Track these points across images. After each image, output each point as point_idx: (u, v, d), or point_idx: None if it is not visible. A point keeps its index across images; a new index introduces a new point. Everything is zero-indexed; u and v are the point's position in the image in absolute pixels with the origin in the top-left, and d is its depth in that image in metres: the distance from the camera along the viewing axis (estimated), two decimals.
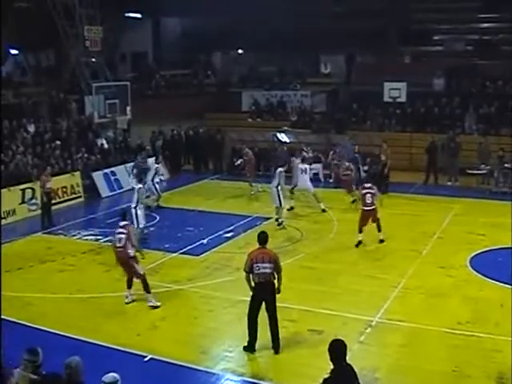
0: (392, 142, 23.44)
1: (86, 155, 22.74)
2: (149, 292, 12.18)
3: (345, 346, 6.42)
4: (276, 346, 10.18)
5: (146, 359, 10.00)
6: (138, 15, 36.90)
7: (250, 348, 10.23)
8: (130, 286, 12.33)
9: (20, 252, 15.98)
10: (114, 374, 6.26)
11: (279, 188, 17.76)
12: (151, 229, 17.80)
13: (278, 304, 12.18)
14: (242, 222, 18.12)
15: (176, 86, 36.43)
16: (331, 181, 23.70)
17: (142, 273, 12.17)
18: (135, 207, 15.77)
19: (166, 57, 39.99)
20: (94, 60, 27.19)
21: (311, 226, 17.91)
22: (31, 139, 22.57)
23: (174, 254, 15.45)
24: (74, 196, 21.26)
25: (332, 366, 6.36)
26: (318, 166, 24.15)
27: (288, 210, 19.23)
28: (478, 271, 13.86)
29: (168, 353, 10.17)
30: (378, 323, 11.30)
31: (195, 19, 37.02)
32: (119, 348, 10.37)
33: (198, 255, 15.24)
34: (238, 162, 25.59)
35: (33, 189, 19.67)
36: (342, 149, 23.73)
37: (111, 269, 14.44)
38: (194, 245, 16.09)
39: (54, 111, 25.72)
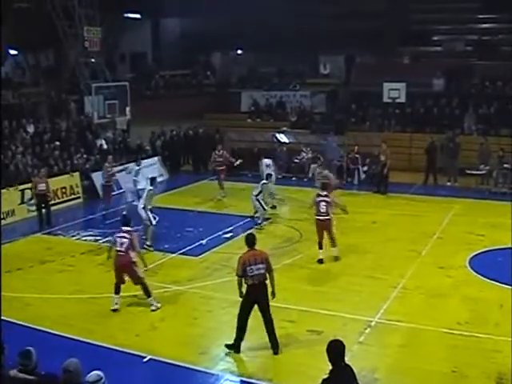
0: (391, 143, 23.46)
1: (85, 156, 22.73)
2: (149, 296, 12.13)
3: (343, 346, 6.41)
4: (275, 347, 10.16)
5: (145, 360, 9.99)
6: (138, 16, 36.88)
7: (236, 348, 10.21)
8: (118, 292, 12.16)
9: (19, 252, 15.97)
10: (98, 372, 6.23)
11: (259, 197, 17.80)
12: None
13: (277, 304, 12.18)
14: (241, 223, 18.12)
15: (175, 87, 36.43)
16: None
17: (142, 276, 12.13)
18: (143, 208, 15.69)
19: (165, 57, 39.98)
20: (93, 60, 27.20)
21: (310, 226, 17.79)
22: (30, 139, 22.57)
23: (174, 255, 15.45)
24: (73, 197, 21.24)
25: (331, 367, 6.36)
26: (316, 167, 24.13)
27: (271, 207, 19.40)
28: (477, 271, 13.86)
29: (167, 353, 10.17)
30: (377, 323, 11.30)
31: (195, 20, 37.01)
32: (118, 348, 10.36)
33: (197, 256, 15.24)
34: (238, 162, 25.61)
35: (31, 189, 19.63)
36: (326, 148, 23.76)
37: (110, 269, 14.45)
38: (194, 245, 16.09)
39: (54, 112, 25.72)
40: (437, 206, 19.96)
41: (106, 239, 16.79)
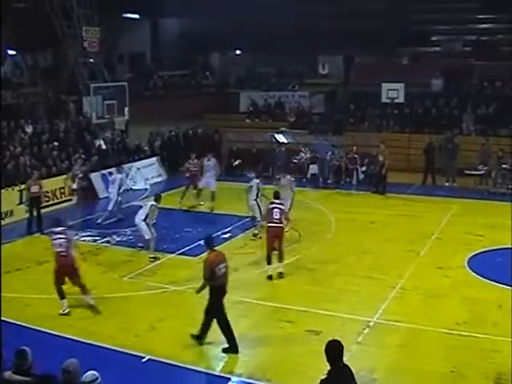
0: (390, 143, 23.48)
1: (83, 156, 22.69)
2: (87, 294, 12.12)
3: (341, 346, 6.41)
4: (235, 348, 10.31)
5: (144, 360, 9.98)
6: (136, 16, 36.89)
7: (233, 350, 10.28)
8: (63, 296, 11.97)
9: (18, 253, 15.95)
10: (93, 372, 6.23)
11: (258, 200, 16.89)
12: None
13: (276, 304, 12.26)
14: (239, 223, 18.12)
15: (174, 87, 36.41)
16: (329, 181, 23.71)
17: (80, 276, 12.06)
18: (144, 220, 15.35)
19: (164, 57, 39.98)
20: (91, 61, 27.16)
21: (309, 227, 17.89)
22: (29, 140, 22.54)
23: (172, 255, 15.45)
24: (71, 197, 21.19)
25: (329, 367, 6.36)
26: (315, 167, 24.18)
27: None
28: (476, 272, 13.87)
29: (166, 353, 10.16)
30: (376, 324, 11.30)
31: (193, 20, 37.01)
32: (117, 349, 10.35)
33: (195, 256, 15.21)
34: (236, 162, 25.67)
35: (25, 191, 19.62)
36: (319, 148, 23.80)
37: (109, 270, 14.47)
38: (192, 245, 16.07)
39: (52, 112, 25.69)
40: (435, 207, 19.97)
41: (105, 239, 16.82)
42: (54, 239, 11.95)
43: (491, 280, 13.24)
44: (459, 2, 32.58)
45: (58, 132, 24.10)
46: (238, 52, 40.64)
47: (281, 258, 13.87)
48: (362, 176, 23.97)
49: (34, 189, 17.95)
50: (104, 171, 22.74)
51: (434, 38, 33.95)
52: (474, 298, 12.48)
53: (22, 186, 19.28)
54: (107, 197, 20.12)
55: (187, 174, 21.40)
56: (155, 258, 15.15)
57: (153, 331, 11.15)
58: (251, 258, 15.09)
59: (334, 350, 6.40)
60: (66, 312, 11.91)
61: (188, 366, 9.84)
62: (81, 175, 19.72)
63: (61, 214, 19.54)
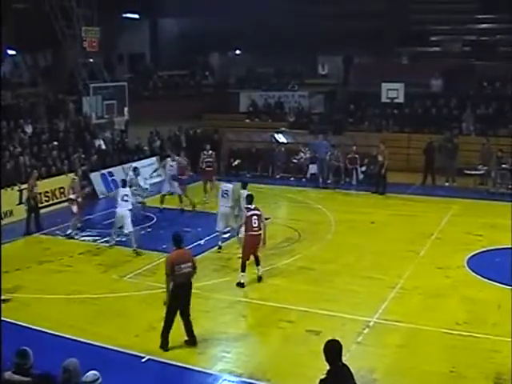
0: (390, 143, 23.47)
1: (83, 156, 22.70)
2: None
3: (340, 346, 6.41)
4: (193, 341, 10.45)
5: (143, 360, 9.99)
6: (136, 16, 36.93)
7: (163, 344, 10.36)
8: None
9: (17, 253, 15.94)
10: (94, 372, 6.24)
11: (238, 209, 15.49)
12: (148, 229, 17.80)
13: (276, 304, 12.24)
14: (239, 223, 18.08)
15: (174, 87, 36.44)
16: (329, 181, 23.71)
17: None
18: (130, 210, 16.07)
19: (163, 57, 40.02)
20: (91, 61, 27.17)
21: (309, 226, 17.90)
22: (29, 140, 22.54)
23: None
24: (70, 205, 21.14)
25: (328, 367, 6.36)
26: (315, 167, 24.18)
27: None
28: (475, 272, 13.87)
29: (166, 353, 10.17)
30: (375, 324, 11.30)
31: (193, 20, 37.03)
32: (117, 349, 10.35)
33: (195, 256, 15.18)
34: (236, 162, 25.66)
35: (27, 191, 19.61)
36: (317, 148, 23.80)
37: (108, 270, 14.47)
38: (192, 245, 15.99)
39: (52, 112, 25.68)
40: (435, 207, 19.97)
41: (104, 239, 16.81)
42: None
43: (491, 280, 13.24)
44: (459, 3, 32.61)
45: (57, 132, 24.11)
46: (237, 52, 40.68)
47: (258, 262, 13.54)
48: (361, 176, 23.96)
49: (35, 189, 17.98)
50: (104, 171, 22.74)
51: (433, 38, 33.97)
52: (474, 298, 12.48)
53: (22, 186, 19.28)
54: (107, 196, 20.12)
55: (202, 166, 21.70)
56: (137, 253, 15.51)
57: (152, 331, 11.13)
58: (250, 257, 15.05)
59: (333, 350, 6.40)
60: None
61: (188, 366, 9.84)
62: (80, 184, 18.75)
63: (61, 213, 19.61)
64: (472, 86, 28.84)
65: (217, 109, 32.39)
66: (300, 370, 9.60)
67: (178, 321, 11.54)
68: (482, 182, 22.62)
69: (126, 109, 26.44)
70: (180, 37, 39.90)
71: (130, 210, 15.96)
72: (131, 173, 19.46)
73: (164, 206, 19.85)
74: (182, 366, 9.85)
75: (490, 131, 25.12)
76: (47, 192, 20.44)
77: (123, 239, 16.97)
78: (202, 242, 16.31)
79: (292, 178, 24.78)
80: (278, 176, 25.16)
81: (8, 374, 6.40)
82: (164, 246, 15.92)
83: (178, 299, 10.28)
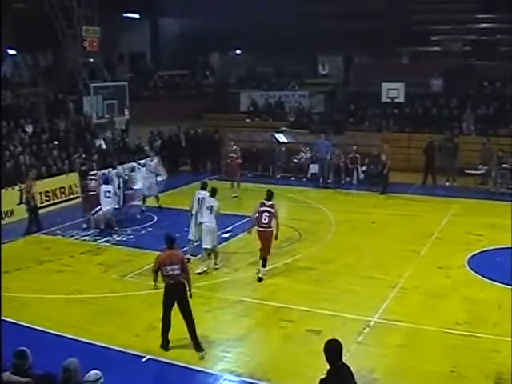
0: (390, 143, 23.46)
1: (83, 156, 22.70)
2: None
3: (340, 345, 6.41)
4: (198, 348, 10.24)
5: (144, 360, 10.00)
6: (136, 16, 36.94)
7: (164, 344, 10.37)
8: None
9: (18, 253, 15.96)
10: (96, 371, 6.24)
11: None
12: (149, 229, 17.81)
13: (276, 304, 12.22)
14: (240, 223, 18.07)
15: (174, 87, 36.46)
16: (329, 181, 23.71)
17: None
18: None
19: (164, 57, 40.05)
20: (91, 60, 27.18)
21: (309, 226, 17.90)
22: (29, 140, 22.54)
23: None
24: (71, 196, 21.19)
25: (328, 367, 6.36)
26: (315, 167, 24.17)
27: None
28: (476, 271, 13.87)
29: (166, 353, 10.18)
30: (376, 323, 11.30)
31: (193, 20, 37.05)
32: (117, 348, 10.36)
33: (195, 255, 15.22)
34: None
35: (26, 192, 19.61)
36: (318, 148, 23.82)
37: (109, 269, 14.48)
38: (192, 245, 16.05)
39: (52, 112, 25.69)
40: (435, 206, 19.97)
41: (105, 239, 16.82)
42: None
43: (491, 280, 13.24)
44: (459, 2, 32.62)
45: (58, 132, 24.11)
46: (238, 52, 40.70)
47: (264, 264, 13.65)
48: (362, 176, 23.96)
49: (33, 189, 17.98)
50: (104, 170, 22.71)
51: (433, 38, 33.99)
52: (474, 297, 12.48)
53: (23, 186, 19.29)
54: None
55: (228, 160, 21.99)
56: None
57: (153, 331, 11.13)
58: (251, 257, 15.07)
59: (333, 350, 6.40)
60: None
61: (188, 366, 9.84)
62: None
63: (62, 213, 19.65)
64: (472, 86, 28.83)
65: (217, 108, 32.40)
66: (300, 369, 9.60)
67: (178, 321, 11.57)
68: (482, 181, 22.61)
69: (126, 108, 26.44)
70: (180, 37, 39.91)
71: (116, 208, 16.47)
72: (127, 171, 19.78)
73: (164, 205, 19.89)
74: (182, 365, 9.85)
75: (490, 131, 25.11)
76: (48, 192, 20.44)
77: (124, 238, 17.03)
78: None
79: (292, 178, 24.77)
80: (278, 176, 25.15)
81: (7, 375, 6.38)
82: (164, 246, 15.92)
83: (168, 299, 10.29)
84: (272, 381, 9.39)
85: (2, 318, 11.03)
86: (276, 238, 13.57)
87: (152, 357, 10.06)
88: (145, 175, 20.01)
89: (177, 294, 10.23)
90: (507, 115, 25.70)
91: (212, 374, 9.66)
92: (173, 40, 40.34)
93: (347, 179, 23.95)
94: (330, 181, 23.74)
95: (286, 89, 33.57)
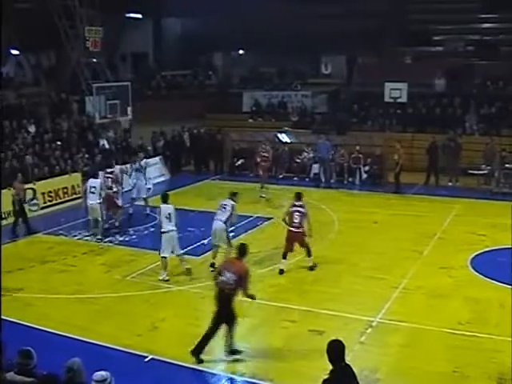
0: (393, 143, 23.41)
1: (86, 156, 22.73)
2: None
3: (343, 346, 6.41)
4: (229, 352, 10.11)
5: (146, 360, 10.01)
6: (139, 16, 36.94)
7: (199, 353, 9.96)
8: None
9: (21, 252, 15.98)
10: (103, 372, 6.23)
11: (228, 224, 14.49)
12: (151, 229, 17.81)
13: (279, 304, 12.22)
14: (243, 223, 18.07)
15: (177, 87, 36.46)
16: (332, 181, 23.71)
17: None
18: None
19: (166, 57, 40.02)
20: (94, 60, 27.21)
21: (312, 226, 17.84)
22: (32, 139, 22.57)
23: (175, 255, 15.40)
24: (74, 196, 21.20)
25: (331, 367, 6.36)
26: (318, 167, 24.16)
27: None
28: (478, 272, 13.86)
29: (168, 353, 10.18)
30: (378, 323, 11.30)
31: (196, 20, 37.07)
32: (120, 348, 10.37)
33: (198, 255, 15.24)
34: (239, 162, 25.67)
35: (33, 189, 19.67)
36: (319, 148, 23.83)
37: (112, 269, 14.49)
38: (195, 245, 16.07)
39: (55, 112, 25.72)
40: (438, 206, 19.95)
41: (108, 239, 16.83)
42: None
43: (494, 280, 13.22)
44: (461, 2, 32.57)
45: (60, 132, 24.14)
46: (240, 52, 40.68)
47: (309, 254, 14.17)
48: (364, 176, 23.94)
49: (21, 192, 17.73)
50: (108, 170, 22.72)
51: (436, 38, 33.89)
52: (477, 298, 12.46)
53: (26, 186, 19.33)
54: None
55: (258, 159, 22.03)
56: (101, 240, 16.43)
57: (155, 331, 11.16)
58: (255, 257, 15.06)
59: (336, 350, 6.40)
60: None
61: (190, 366, 9.85)
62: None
63: (64, 213, 19.67)
64: (475, 86, 28.79)
65: (220, 108, 32.40)
66: (303, 369, 9.60)
67: (181, 321, 11.58)
68: (485, 181, 22.58)
69: (129, 108, 26.46)
70: (183, 37, 39.94)
71: (99, 202, 16.64)
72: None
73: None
74: (184, 365, 9.85)
75: (493, 131, 25.09)
76: (50, 192, 20.47)
77: (126, 239, 17.05)
78: (205, 241, 16.29)
79: (295, 178, 24.76)
80: (280, 176, 25.14)
81: (10, 375, 6.37)
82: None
83: (215, 305, 9.99)
84: (274, 381, 9.40)
85: (5, 317, 11.11)
86: (309, 236, 14.14)
87: (154, 357, 10.07)
88: (133, 176, 19.61)
89: (223, 304, 9.86)
90: (510, 115, 25.65)
91: (214, 374, 9.68)
92: (175, 40, 40.37)
93: (350, 179, 23.93)
94: (332, 181, 23.73)
95: (289, 89, 33.56)
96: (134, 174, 19.58)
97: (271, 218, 18.67)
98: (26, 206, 18.98)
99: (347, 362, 6.42)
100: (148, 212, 18.99)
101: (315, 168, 24.33)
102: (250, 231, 17.42)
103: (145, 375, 9.59)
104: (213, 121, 30.63)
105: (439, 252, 15.37)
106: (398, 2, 32.79)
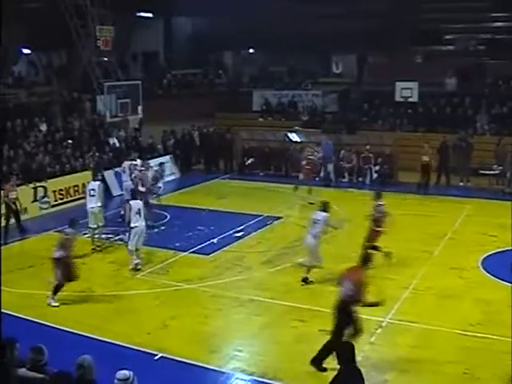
0: (403, 142, 23.37)
1: (97, 154, 22.82)
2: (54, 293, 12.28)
3: (353, 347, 6.41)
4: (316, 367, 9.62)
5: (156, 358, 10.04)
6: (150, 15, 36.99)
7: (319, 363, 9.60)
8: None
9: (32, 250, 16.06)
10: (126, 372, 6.26)
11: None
12: (162, 227, 17.85)
13: (288, 304, 12.18)
14: (252, 222, 18.12)
15: (187, 86, 36.50)
16: (344, 180, 23.68)
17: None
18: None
19: (177, 56, 40.06)
20: (105, 59, 27.29)
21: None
22: (43, 138, 22.69)
23: (185, 253, 15.47)
24: (84, 195, 21.28)
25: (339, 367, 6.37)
26: (329, 166, 24.12)
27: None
28: (489, 272, 13.79)
29: (178, 351, 10.20)
30: (388, 324, 11.28)
31: (206, 19, 37.08)
32: (130, 346, 10.41)
33: (208, 254, 15.26)
34: (249, 161, 25.67)
35: (44, 187, 19.79)
36: (321, 148, 23.81)
37: (122, 267, 14.53)
38: (205, 244, 16.10)
39: (66, 110, 25.84)
40: (449, 207, 19.86)
41: (118, 237, 16.87)
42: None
43: (505, 281, 13.15)
44: (473, 1, 32.40)
45: (72, 130, 24.25)
46: (251, 51, 40.65)
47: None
48: (375, 175, 23.87)
49: (12, 194, 17.22)
50: (117, 169, 22.82)
51: (447, 37, 33.77)
52: (488, 299, 12.40)
53: (37, 184, 19.47)
54: (121, 194, 20.22)
55: (303, 162, 21.48)
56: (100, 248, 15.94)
57: (165, 329, 11.19)
58: (264, 256, 15.10)
59: (346, 351, 6.40)
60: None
61: (200, 364, 9.87)
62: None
63: (75, 211, 19.70)
64: (486, 85, 28.65)
65: (230, 107, 32.39)
66: (312, 369, 9.58)
67: (190, 319, 11.60)
68: (496, 181, 22.46)
69: (139, 107, 26.54)
70: (193, 36, 39.95)
71: (100, 206, 16.06)
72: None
73: (178, 204, 19.93)
74: (194, 364, 9.87)
75: (504, 130, 24.94)
76: (61, 190, 20.59)
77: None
78: (214, 240, 16.33)
79: None
80: (291, 175, 25.08)
81: (23, 371, 6.44)
82: (177, 244, 16.00)
83: (334, 315, 9.64)
84: (284, 380, 9.40)
85: (17, 314, 11.20)
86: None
87: (164, 355, 10.09)
88: (124, 179, 19.52)
89: (334, 314, 9.64)
90: None
91: (224, 373, 9.69)
92: (186, 39, 40.39)
93: (360, 179, 23.88)
94: (345, 180, 23.70)
95: (299, 88, 33.48)
96: (124, 176, 19.53)
97: (281, 218, 18.66)
98: (37, 204, 19.11)
99: (356, 365, 6.42)
100: (158, 211, 18.99)
101: (326, 167, 24.28)
102: (259, 230, 17.42)
103: (155, 373, 9.62)
104: (223, 120, 30.64)
105: (450, 252, 15.30)
106: (408, 1, 32.65)
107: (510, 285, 12.90)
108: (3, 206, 17.07)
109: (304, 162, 21.76)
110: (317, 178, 24.23)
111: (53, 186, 20.19)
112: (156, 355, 10.10)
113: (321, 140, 24.36)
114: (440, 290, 12.83)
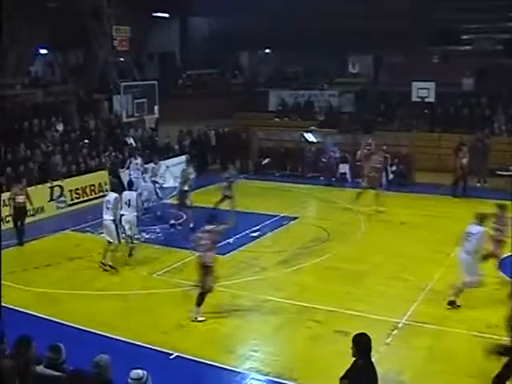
0: (420, 143, 23.25)
1: (113, 153, 22.93)
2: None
3: (369, 339, 6.41)
4: None
5: (171, 357, 10.07)
6: (166, 15, 37.09)
7: None
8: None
9: (48, 249, 16.18)
10: (139, 371, 6.28)
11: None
12: (178, 227, 17.90)
13: (304, 304, 12.17)
14: (268, 222, 18.11)
15: (203, 86, 36.58)
16: (360, 181, 23.58)
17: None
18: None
19: (193, 56, 40.14)
20: (122, 59, 27.41)
21: (338, 226, 17.81)
22: (60, 137, 22.84)
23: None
24: (101, 194, 21.35)
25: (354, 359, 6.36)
26: (345, 167, 24.07)
27: None
28: (506, 274, 13.65)
29: (194, 351, 10.22)
30: (404, 325, 11.21)
31: (222, 19, 37.11)
32: (146, 345, 10.44)
33: (224, 254, 15.23)
34: (265, 161, 25.65)
35: (61, 187, 19.92)
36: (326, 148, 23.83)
37: (138, 266, 14.58)
38: (220, 244, 16.05)
39: (83, 110, 25.98)
40: (466, 207, 19.68)
41: (136, 237, 16.91)
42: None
43: None
44: (490, 0, 32.13)
45: (88, 130, 24.39)
46: (267, 51, 40.63)
47: None
48: (391, 176, 23.75)
49: (20, 198, 16.71)
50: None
51: (464, 37, 33.56)
52: (505, 300, 12.26)
53: (54, 183, 19.59)
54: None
55: (367, 171, 20.16)
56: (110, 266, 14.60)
57: (181, 328, 11.21)
58: (280, 256, 15.08)
59: (362, 344, 6.41)
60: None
61: (215, 364, 9.88)
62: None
63: (91, 210, 19.83)
64: (504, 85, 28.41)
65: (246, 107, 32.44)
66: (327, 370, 9.53)
67: (206, 319, 11.59)
68: None
69: (156, 107, 26.62)
70: (210, 36, 40.03)
71: (112, 219, 14.62)
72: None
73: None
74: (210, 363, 9.88)
75: None
76: (78, 189, 20.72)
77: (152, 236, 17.15)
78: (230, 240, 16.32)
79: (321, 178, 24.64)
80: (307, 175, 25.05)
81: (40, 368, 6.50)
82: (193, 244, 15.97)
83: None
84: (299, 380, 9.39)
85: (35, 313, 11.29)
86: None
87: (180, 354, 10.12)
88: (146, 180, 19.72)
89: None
90: None
91: (239, 373, 9.69)
92: (202, 39, 40.47)
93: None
94: (360, 180, 23.60)
95: (316, 88, 33.45)
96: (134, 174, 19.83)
97: (296, 218, 18.63)
98: (54, 203, 19.22)
99: (371, 360, 6.41)
100: (175, 211, 19.05)
101: (342, 168, 24.22)
102: (275, 230, 17.41)
103: (170, 373, 9.64)
104: (239, 120, 30.67)
105: None
106: (425, 1, 32.47)
107: None
108: (9, 208, 16.78)
109: (367, 171, 20.29)
110: (333, 179, 24.16)
111: (69, 185, 20.32)
112: (171, 354, 10.12)
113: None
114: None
